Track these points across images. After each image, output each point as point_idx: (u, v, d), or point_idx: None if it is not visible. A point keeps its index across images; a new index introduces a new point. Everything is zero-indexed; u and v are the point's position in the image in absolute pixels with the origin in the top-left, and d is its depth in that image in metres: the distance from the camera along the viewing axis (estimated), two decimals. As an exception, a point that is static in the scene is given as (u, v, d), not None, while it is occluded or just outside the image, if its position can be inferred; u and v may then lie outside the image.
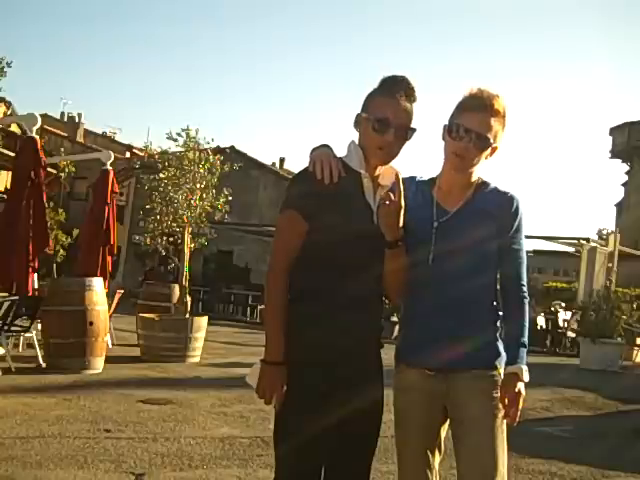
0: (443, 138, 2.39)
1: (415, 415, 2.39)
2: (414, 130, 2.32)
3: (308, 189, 2.25)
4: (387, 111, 2.27)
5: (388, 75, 2.34)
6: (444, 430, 2.46)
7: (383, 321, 2.43)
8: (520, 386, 2.30)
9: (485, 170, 2.45)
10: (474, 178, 2.42)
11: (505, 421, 2.33)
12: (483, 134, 2.31)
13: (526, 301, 2.41)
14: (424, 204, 2.42)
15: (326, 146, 2.36)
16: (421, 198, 2.44)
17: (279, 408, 2.23)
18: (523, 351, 2.34)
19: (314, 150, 2.34)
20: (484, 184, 2.44)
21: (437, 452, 2.44)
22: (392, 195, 2.22)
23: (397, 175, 2.30)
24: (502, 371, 2.35)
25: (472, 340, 2.33)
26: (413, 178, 2.53)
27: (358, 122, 2.36)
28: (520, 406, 2.30)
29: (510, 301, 2.41)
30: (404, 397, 2.40)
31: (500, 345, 2.39)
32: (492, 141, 2.33)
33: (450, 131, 2.35)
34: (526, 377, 2.31)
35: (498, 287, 2.44)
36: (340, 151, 2.37)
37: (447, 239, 2.35)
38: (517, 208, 2.40)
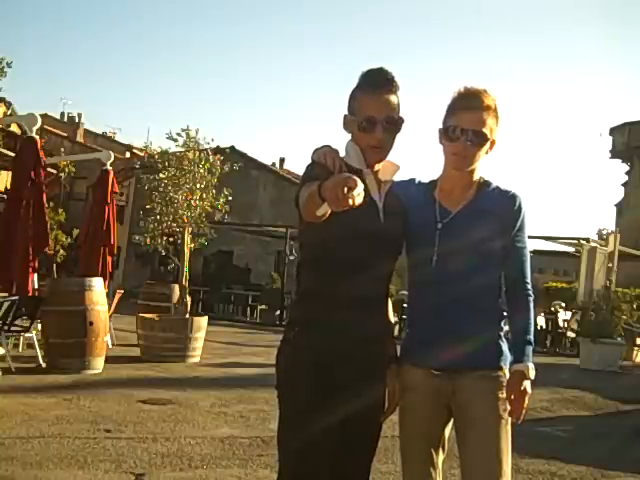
0: (440, 142, 2.40)
1: (420, 414, 2.39)
2: (402, 120, 2.31)
3: (319, 172, 2.17)
4: (371, 108, 2.26)
5: (365, 70, 2.32)
6: (448, 429, 2.46)
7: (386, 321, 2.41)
8: (526, 384, 2.30)
9: (486, 169, 2.46)
10: (476, 177, 2.42)
11: (510, 422, 2.33)
12: (479, 130, 2.31)
13: (531, 299, 2.40)
14: (426, 205, 2.42)
15: (328, 146, 2.36)
16: (422, 199, 2.45)
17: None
18: (529, 349, 2.34)
19: (317, 150, 2.34)
20: (486, 183, 2.44)
21: (441, 451, 2.44)
22: None
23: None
24: (507, 371, 2.35)
25: (476, 340, 2.32)
26: (412, 180, 2.55)
27: (346, 124, 2.35)
28: (526, 404, 2.30)
29: (515, 299, 2.40)
30: (409, 396, 2.39)
31: (504, 345, 2.39)
32: (489, 136, 2.34)
33: (447, 133, 2.35)
34: (532, 375, 2.32)
35: (502, 286, 2.43)
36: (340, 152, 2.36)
37: (451, 239, 2.35)
38: (520, 206, 2.40)
